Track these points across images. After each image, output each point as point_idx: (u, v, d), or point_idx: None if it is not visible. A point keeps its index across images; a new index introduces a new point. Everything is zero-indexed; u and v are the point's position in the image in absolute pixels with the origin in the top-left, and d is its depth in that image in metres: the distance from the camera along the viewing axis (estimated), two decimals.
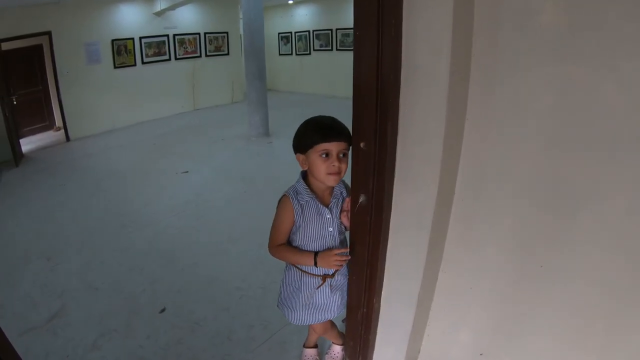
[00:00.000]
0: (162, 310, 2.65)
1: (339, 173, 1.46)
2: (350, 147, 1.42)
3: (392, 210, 1.40)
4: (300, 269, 1.64)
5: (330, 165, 1.44)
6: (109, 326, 2.52)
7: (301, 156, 1.51)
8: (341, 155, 1.46)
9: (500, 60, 1.18)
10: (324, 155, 1.44)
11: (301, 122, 1.53)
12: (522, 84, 1.17)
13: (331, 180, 1.48)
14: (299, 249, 1.60)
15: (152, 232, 3.86)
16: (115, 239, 3.74)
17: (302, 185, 1.54)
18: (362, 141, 1.30)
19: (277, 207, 1.58)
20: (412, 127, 1.26)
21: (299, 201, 1.53)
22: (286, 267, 1.72)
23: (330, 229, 1.58)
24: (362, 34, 1.18)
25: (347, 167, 1.47)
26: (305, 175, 1.57)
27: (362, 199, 1.37)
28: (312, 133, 1.46)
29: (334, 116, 1.52)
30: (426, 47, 1.16)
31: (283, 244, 1.60)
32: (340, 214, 1.60)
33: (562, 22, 1.06)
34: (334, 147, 1.43)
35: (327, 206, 1.57)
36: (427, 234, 1.34)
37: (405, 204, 1.38)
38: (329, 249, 1.57)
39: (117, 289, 2.92)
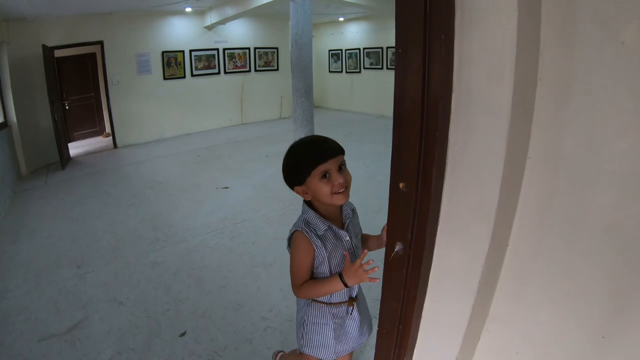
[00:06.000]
0: (183, 334, 2.55)
1: (346, 188, 1.35)
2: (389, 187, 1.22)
3: (433, 262, 1.18)
4: (324, 302, 1.52)
5: (335, 184, 1.32)
6: (127, 344, 2.48)
7: (300, 188, 1.39)
8: (341, 167, 1.35)
9: (571, 88, 0.94)
10: (324, 177, 1.33)
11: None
12: (598, 119, 0.92)
13: (340, 199, 1.35)
14: (321, 279, 1.44)
15: (184, 248, 3.78)
16: (146, 253, 3.71)
17: (313, 216, 1.40)
18: (401, 181, 1.08)
19: (290, 246, 1.44)
20: (463, 167, 1.04)
21: (316, 233, 1.38)
22: (306, 305, 1.57)
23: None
24: (405, 52, 0.97)
25: (350, 177, 1.38)
26: (309, 204, 1.44)
27: (398, 247, 1.15)
28: (304, 160, 1.34)
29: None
30: (484, 71, 0.95)
31: (306, 281, 1.45)
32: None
33: None
34: (331, 164, 1.32)
35: (343, 229, 1.45)
36: (473, 293, 1.11)
37: (449, 257, 1.15)
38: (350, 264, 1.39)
39: (141, 306, 2.87)
